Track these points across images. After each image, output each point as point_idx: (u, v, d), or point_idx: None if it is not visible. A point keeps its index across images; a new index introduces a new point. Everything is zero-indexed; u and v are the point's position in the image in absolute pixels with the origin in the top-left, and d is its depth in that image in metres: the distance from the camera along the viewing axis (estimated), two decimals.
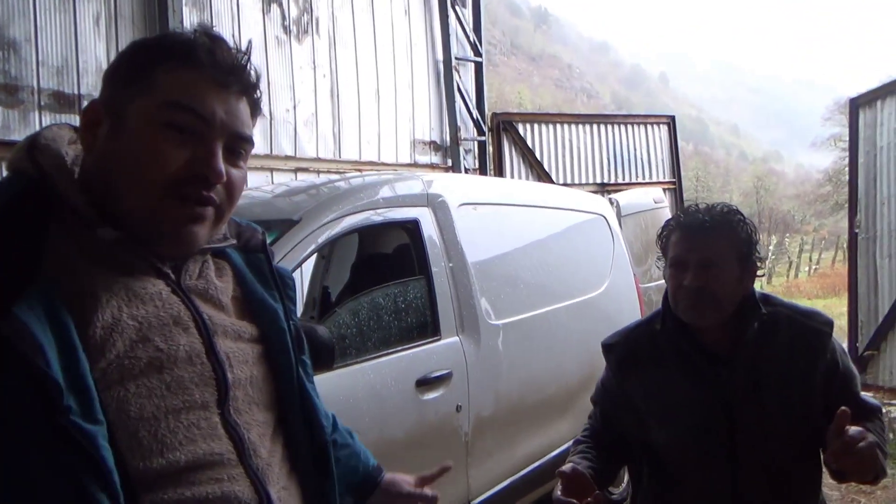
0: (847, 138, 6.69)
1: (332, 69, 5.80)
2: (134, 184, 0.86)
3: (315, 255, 4.38)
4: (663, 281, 1.64)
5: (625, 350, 1.70)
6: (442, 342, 2.93)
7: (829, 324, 1.59)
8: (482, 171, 7.32)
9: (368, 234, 3.91)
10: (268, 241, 1.11)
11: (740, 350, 1.54)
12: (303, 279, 4.57)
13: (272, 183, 4.85)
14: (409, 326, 2.88)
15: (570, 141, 7.92)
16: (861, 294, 6.38)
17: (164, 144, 0.86)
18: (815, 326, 1.56)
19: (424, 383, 2.76)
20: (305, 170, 5.47)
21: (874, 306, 6.21)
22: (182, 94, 0.87)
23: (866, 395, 1.66)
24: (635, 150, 8.34)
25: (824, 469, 1.60)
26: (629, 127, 8.37)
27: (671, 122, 8.69)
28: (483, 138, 7.35)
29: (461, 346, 2.99)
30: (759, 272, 1.59)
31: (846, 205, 6.92)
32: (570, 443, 3.60)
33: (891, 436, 5.19)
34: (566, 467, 1.47)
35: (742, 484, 1.54)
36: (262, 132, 5.21)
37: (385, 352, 2.70)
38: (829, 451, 1.32)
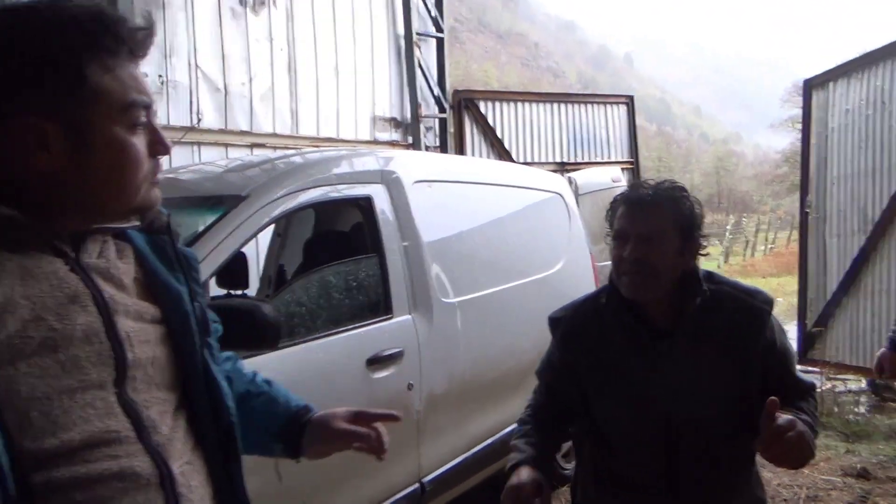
0: None
1: (290, 42, 5.68)
2: (120, 190, 0.91)
3: (271, 233, 4.35)
4: None
5: (570, 324, 1.71)
6: (394, 320, 2.91)
7: (770, 302, 1.62)
8: (443, 148, 7.28)
9: (324, 211, 3.87)
10: (172, 222, 1.08)
11: (682, 325, 1.56)
12: (258, 256, 4.52)
13: (227, 159, 4.75)
14: (361, 305, 2.86)
15: (531, 120, 7.92)
16: (811, 272, 6.55)
17: (137, 146, 0.91)
18: (755, 304, 1.59)
19: (375, 362, 2.75)
20: (262, 145, 5.37)
21: (823, 284, 6.38)
22: (130, 91, 0.89)
23: (801, 374, 1.69)
24: (595, 129, 8.38)
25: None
26: (589, 107, 8.41)
27: (630, 103, 8.74)
28: (444, 116, 7.31)
29: (414, 325, 2.98)
30: (702, 251, 1.61)
31: None
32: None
33: (835, 409, 5.38)
34: (517, 483, 1.49)
35: (677, 458, 1.57)
36: (216, 107, 5.09)
37: (335, 330, 2.67)
38: (759, 439, 1.35)
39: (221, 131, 5.13)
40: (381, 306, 2.92)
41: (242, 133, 5.28)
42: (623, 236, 1.56)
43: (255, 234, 2.47)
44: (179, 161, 4.77)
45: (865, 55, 6.02)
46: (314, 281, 2.83)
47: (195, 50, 4.85)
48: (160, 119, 4.62)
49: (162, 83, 4.64)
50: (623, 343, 1.61)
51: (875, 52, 5.90)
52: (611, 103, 8.65)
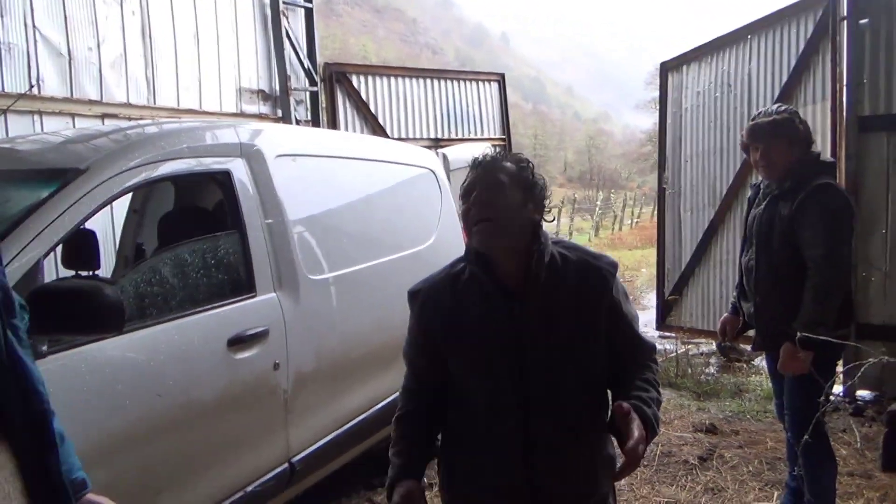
0: None
1: (143, 6, 5.27)
2: None
3: (127, 210, 4.06)
4: None
5: (427, 294, 1.74)
6: (257, 299, 2.81)
7: (614, 265, 1.71)
8: (315, 122, 7.10)
9: (183, 186, 3.66)
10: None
11: (531, 285, 1.61)
12: (115, 235, 4.22)
13: (73, 129, 4.37)
14: (221, 283, 2.73)
15: (405, 95, 7.87)
16: (667, 244, 6.98)
17: None
18: (600, 266, 1.67)
19: (238, 342, 2.64)
20: (114, 116, 4.98)
21: (678, 255, 6.83)
22: None
23: (644, 334, 1.79)
24: (467, 106, 8.47)
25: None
26: (462, 83, 8.47)
27: (501, 80, 8.89)
28: (315, 89, 7.10)
29: (279, 303, 2.89)
30: (547, 212, 1.68)
31: None
32: (393, 398, 3.63)
33: (689, 370, 5.79)
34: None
35: (531, 418, 1.62)
36: (59, 72, 4.66)
37: (192, 311, 2.54)
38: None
39: (66, 100, 4.70)
40: (243, 285, 2.80)
41: (91, 102, 4.87)
42: (469, 191, 1.63)
43: (96, 210, 2.28)
44: (18, 131, 4.34)
45: (714, 40, 6.42)
46: (169, 259, 2.66)
47: (32, 9, 4.40)
48: None
49: None
50: (477, 304, 1.65)
51: (723, 37, 6.32)
52: (483, 80, 8.76)
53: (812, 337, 2.49)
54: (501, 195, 1.59)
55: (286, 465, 2.89)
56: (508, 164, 1.64)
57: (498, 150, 1.73)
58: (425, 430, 1.77)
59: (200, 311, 2.56)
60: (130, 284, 2.46)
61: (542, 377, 1.61)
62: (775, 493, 3.52)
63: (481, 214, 1.58)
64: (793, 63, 5.53)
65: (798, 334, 2.53)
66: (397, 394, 3.97)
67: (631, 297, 1.93)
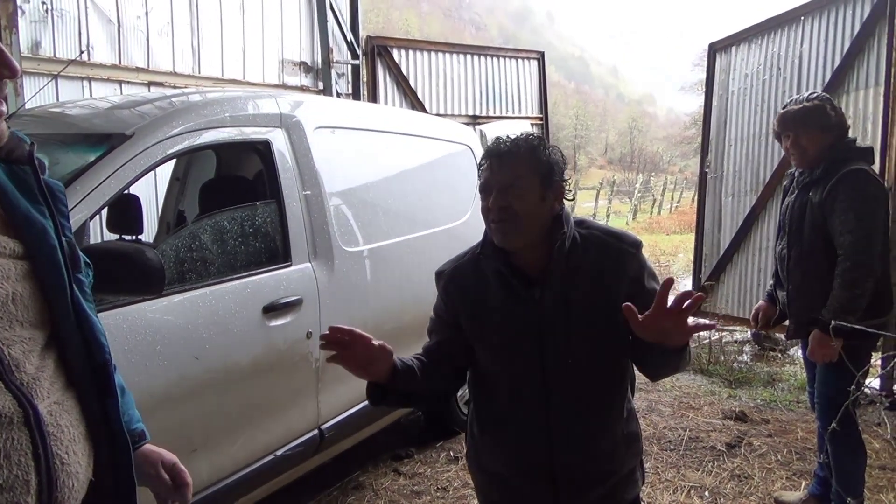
0: None
1: None
2: None
3: (170, 177, 4.15)
4: None
5: (451, 276, 1.75)
6: (293, 268, 2.87)
7: (636, 244, 1.68)
8: (355, 96, 7.11)
9: (225, 155, 3.73)
10: (35, 153, 1.03)
11: (552, 270, 1.61)
12: (157, 200, 4.32)
13: (121, 95, 4.47)
14: (258, 251, 2.79)
15: (444, 70, 7.82)
16: (706, 229, 6.86)
17: None
18: (621, 247, 1.65)
19: (272, 310, 2.70)
20: (160, 84, 5.07)
21: (717, 241, 6.71)
22: None
23: None
24: (506, 83, 8.37)
25: (636, 372, 1.74)
26: (501, 60, 8.37)
27: (541, 58, 8.76)
28: (357, 62, 7.11)
29: (313, 273, 2.95)
30: (567, 195, 1.66)
31: None
32: None
33: (721, 357, 5.73)
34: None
35: (551, 398, 1.63)
36: (109, 40, 4.76)
37: (230, 277, 2.61)
38: (646, 315, 1.41)
39: (115, 67, 4.80)
40: (279, 254, 2.86)
41: (138, 70, 4.96)
42: (487, 188, 1.61)
43: (140, 175, 2.34)
44: (68, 96, 4.46)
45: (765, 21, 6.23)
46: (209, 226, 2.73)
47: None
48: (44, 50, 4.30)
49: (46, 11, 4.28)
50: (499, 291, 1.65)
51: (774, 18, 6.12)
52: (523, 58, 8.65)
53: (841, 325, 2.45)
54: (518, 195, 1.57)
55: (316, 431, 2.97)
56: (523, 153, 1.60)
57: (533, 131, 1.70)
58: (425, 361, 1.70)
59: (237, 279, 2.63)
60: (171, 249, 2.53)
61: (563, 360, 1.62)
62: (803, 483, 3.49)
63: (500, 216, 1.57)
64: (846, 46, 5.34)
65: (830, 323, 2.50)
66: None
67: None
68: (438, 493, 3.46)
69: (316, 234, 2.99)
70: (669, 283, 1.42)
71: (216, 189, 3.30)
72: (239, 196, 2.92)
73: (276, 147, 2.90)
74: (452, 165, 4.32)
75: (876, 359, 4.80)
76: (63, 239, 1.01)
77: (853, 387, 2.10)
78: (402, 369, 1.61)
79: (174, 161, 3.81)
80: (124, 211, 2.40)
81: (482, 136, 7.19)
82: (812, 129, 2.77)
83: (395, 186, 3.75)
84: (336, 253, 3.08)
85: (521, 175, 1.57)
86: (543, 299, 1.61)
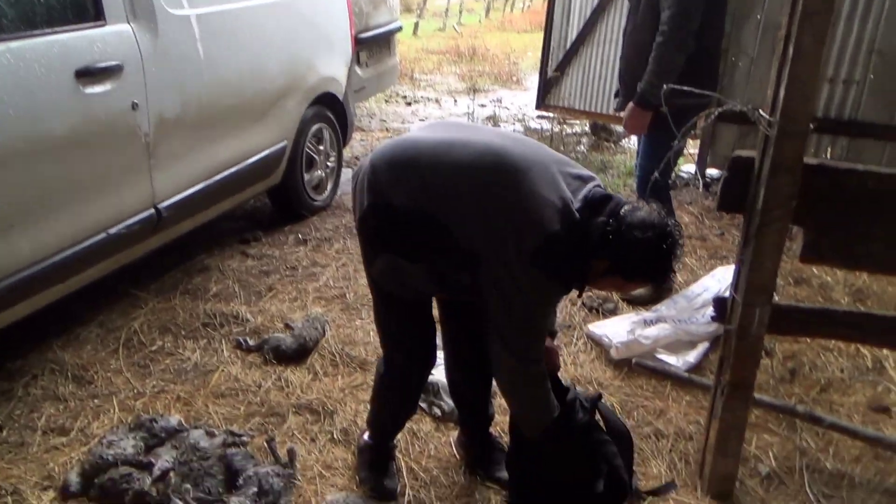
0: None
1: None
2: None
3: None
4: None
5: None
6: (108, 28, 2.53)
7: None
8: None
9: None
10: None
11: None
12: None
13: None
14: (63, 6, 2.41)
15: None
16: (555, 23, 6.84)
17: None
18: None
19: (87, 74, 2.40)
20: None
21: (565, 34, 6.74)
22: None
23: None
24: None
25: None
26: None
27: None
28: None
29: (133, 36, 2.62)
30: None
31: None
32: (267, 153, 3.51)
33: (561, 147, 6.01)
34: None
35: None
36: None
37: (28, 33, 2.25)
38: None
39: None
40: (88, 11, 2.49)
41: None
42: None
43: None
44: None
45: None
46: None
47: None
48: None
49: None
50: None
51: None
52: None
53: (649, 97, 2.63)
54: None
55: (152, 210, 2.82)
56: None
57: None
58: None
59: (39, 35, 2.28)
60: None
61: None
62: None
63: None
64: None
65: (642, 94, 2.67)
66: (271, 149, 3.86)
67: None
68: (287, 272, 3.49)
69: None
70: None
71: None
72: None
73: None
74: None
75: (692, 147, 5.26)
76: None
77: (673, 147, 2.25)
78: None
79: None
80: None
81: None
82: None
83: None
84: (160, 15, 2.73)
85: None
86: None
